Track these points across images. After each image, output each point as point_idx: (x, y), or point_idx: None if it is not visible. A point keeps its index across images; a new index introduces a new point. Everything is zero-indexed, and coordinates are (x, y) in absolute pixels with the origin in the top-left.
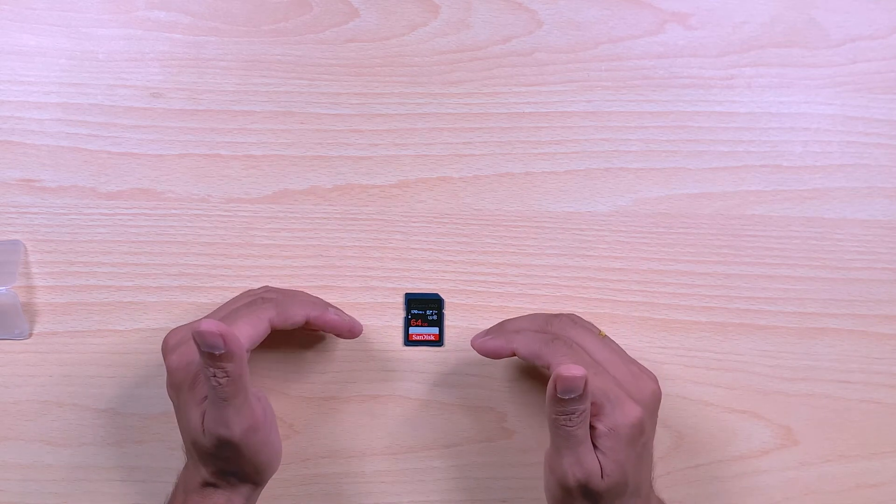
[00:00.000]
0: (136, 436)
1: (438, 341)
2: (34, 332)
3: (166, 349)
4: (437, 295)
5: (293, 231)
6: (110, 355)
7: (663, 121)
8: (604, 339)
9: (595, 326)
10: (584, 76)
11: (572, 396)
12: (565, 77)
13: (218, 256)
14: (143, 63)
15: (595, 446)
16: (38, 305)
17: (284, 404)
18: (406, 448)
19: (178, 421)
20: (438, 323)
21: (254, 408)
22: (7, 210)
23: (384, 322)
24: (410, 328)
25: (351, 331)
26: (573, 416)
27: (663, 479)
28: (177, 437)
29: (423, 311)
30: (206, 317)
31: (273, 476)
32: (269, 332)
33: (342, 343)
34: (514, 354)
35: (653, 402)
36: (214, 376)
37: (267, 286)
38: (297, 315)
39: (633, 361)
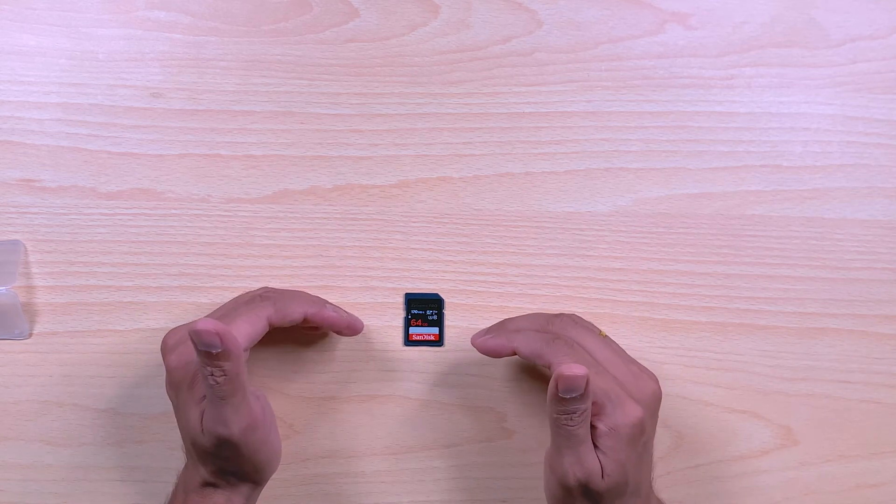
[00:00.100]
0: (136, 436)
1: (438, 341)
2: (34, 332)
3: (165, 349)
4: (437, 295)
5: (293, 231)
6: (110, 355)
7: (663, 121)
8: (605, 339)
9: (595, 327)
10: (584, 76)
11: (574, 396)
12: (565, 77)
13: (218, 256)
14: (143, 63)
15: (596, 446)
16: (38, 305)
17: (284, 404)
18: (406, 448)
19: (177, 421)
20: (438, 323)
21: (252, 406)
22: (7, 210)
23: (384, 322)
24: (410, 328)
25: (350, 327)
26: (574, 415)
27: (663, 479)
28: (177, 437)
29: (423, 311)
30: (204, 317)
31: (273, 476)
32: (267, 329)
33: (342, 343)
34: (515, 353)
35: (653, 402)
36: (212, 375)
37: (266, 287)
38: (294, 312)
39: (634, 361)
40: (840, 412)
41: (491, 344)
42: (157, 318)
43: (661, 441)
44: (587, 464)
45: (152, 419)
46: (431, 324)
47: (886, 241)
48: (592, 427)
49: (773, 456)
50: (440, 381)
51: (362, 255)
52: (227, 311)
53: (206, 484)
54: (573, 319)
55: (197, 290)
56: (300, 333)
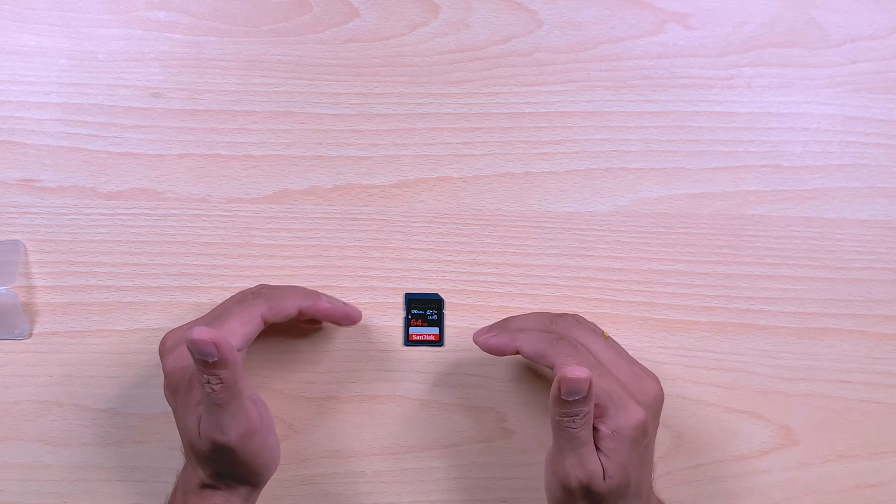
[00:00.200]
0: (136, 436)
1: (438, 341)
2: (34, 332)
3: (163, 351)
4: (437, 295)
5: (293, 231)
6: (110, 355)
7: (663, 121)
8: (608, 340)
9: (598, 328)
10: (584, 76)
11: (576, 398)
12: (565, 77)
13: (218, 256)
14: (143, 63)
15: (598, 448)
16: (38, 305)
17: (284, 404)
18: (406, 448)
19: (176, 422)
20: (438, 323)
21: (249, 412)
22: (7, 210)
23: (384, 322)
24: (410, 328)
25: (347, 317)
26: (577, 417)
27: (663, 479)
28: (176, 437)
29: (423, 311)
30: (199, 318)
31: (273, 476)
32: (262, 327)
33: (342, 343)
34: (518, 352)
35: (655, 404)
36: (209, 383)
37: (261, 284)
38: (289, 307)
39: (636, 363)
40: (840, 412)
41: (494, 342)
42: (157, 318)
43: (662, 441)
44: (589, 466)
45: (152, 419)
46: (431, 324)
47: (886, 241)
48: (595, 429)
49: (773, 456)
50: (440, 381)
51: (362, 255)
52: (221, 312)
53: (205, 486)
54: (577, 320)
55: (197, 290)
56: (300, 331)
